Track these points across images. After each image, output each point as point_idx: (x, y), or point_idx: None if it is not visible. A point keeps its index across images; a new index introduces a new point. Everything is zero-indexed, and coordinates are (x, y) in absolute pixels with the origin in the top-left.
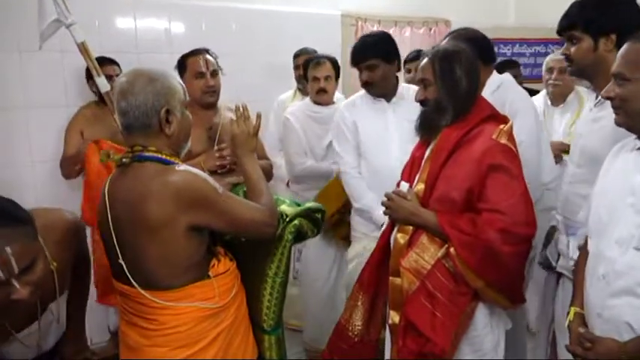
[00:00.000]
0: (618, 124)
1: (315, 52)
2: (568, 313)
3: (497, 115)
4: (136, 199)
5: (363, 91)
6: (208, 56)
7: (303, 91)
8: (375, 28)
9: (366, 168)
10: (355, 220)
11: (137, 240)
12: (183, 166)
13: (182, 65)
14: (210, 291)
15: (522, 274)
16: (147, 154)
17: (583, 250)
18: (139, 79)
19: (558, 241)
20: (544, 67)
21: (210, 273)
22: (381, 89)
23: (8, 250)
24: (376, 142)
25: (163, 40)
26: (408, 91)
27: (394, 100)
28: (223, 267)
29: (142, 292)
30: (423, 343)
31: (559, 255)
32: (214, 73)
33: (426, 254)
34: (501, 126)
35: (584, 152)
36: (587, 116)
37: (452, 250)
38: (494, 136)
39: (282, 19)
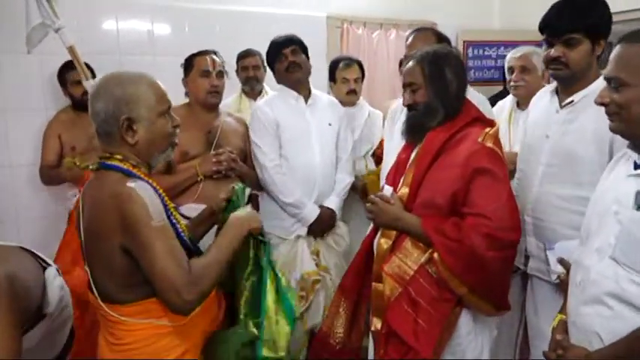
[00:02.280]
0: (613, 130)
1: (260, 52)
2: (554, 318)
3: (482, 118)
4: (90, 208)
5: (276, 92)
6: (215, 57)
7: (250, 94)
8: (361, 31)
9: (286, 166)
10: (271, 224)
11: (91, 249)
12: (134, 183)
13: (189, 64)
14: (161, 309)
15: (507, 280)
16: (108, 162)
17: None
18: (107, 84)
19: (526, 243)
20: (505, 67)
21: None
22: (302, 75)
23: None
24: (299, 141)
25: (146, 42)
26: (321, 97)
27: (310, 101)
28: None
29: (101, 303)
30: (405, 351)
31: (527, 257)
32: (220, 74)
33: (409, 259)
34: (487, 129)
35: (556, 153)
36: (553, 118)
37: (436, 255)
38: (479, 140)
39: (267, 21)
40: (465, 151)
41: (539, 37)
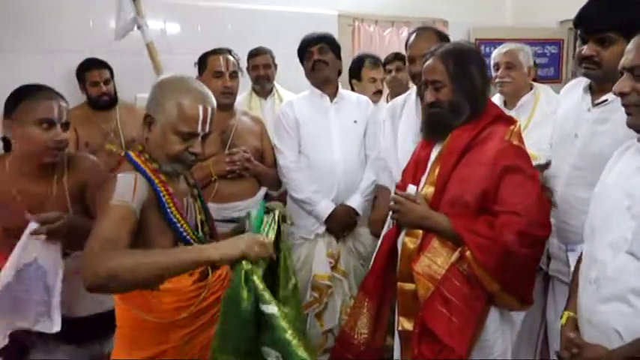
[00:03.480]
0: (632, 124)
1: (271, 51)
2: (561, 316)
3: (504, 115)
4: None
5: (306, 92)
6: (229, 56)
7: (260, 92)
8: (372, 29)
9: (306, 164)
10: (296, 224)
11: None
12: (121, 173)
13: (202, 63)
14: (148, 303)
15: (534, 276)
16: (129, 152)
17: (583, 255)
18: (160, 81)
19: (549, 244)
20: (491, 64)
21: (161, 286)
22: (328, 73)
23: (63, 103)
24: (318, 139)
25: (159, 41)
26: (349, 95)
27: (336, 100)
28: (177, 283)
29: None
30: (438, 350)
31: (549, 258)
32: (233, 75)
33: (438, 258)
34: (511, 127)
35: (585, 154)
36: (584, 116)
37: (468, 253)
38: (506, 138)
39: (279, 19)
40: (492, 149)
41: (552, 34)
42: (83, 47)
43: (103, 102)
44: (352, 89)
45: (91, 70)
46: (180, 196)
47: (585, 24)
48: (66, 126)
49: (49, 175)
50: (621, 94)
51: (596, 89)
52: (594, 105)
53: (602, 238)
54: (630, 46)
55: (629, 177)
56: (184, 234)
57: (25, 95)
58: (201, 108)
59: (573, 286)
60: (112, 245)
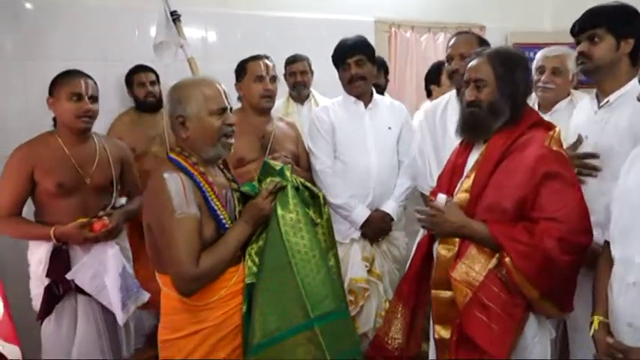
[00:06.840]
0: None
1: (307, 58)
2: (591, 322)
3: (542, 121)
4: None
5: (339, 97)
6: (268, 61)
7: (297, 98)
8: (409, 34)
9: (342, 169)
10: None
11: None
12: (168, 174)
13: (242, 69)
14: None
15: (575, 283)
16: (170, 154)
17: (603, 256)
18: (171, 88)
19: None
20: (534, 66)
21: None
22: (365, 86)
23: (90, 81)
24: (354, 144)
25: (200, 49)
26: (383, 101)
27: (370, 106)
28: None
29: (155, 269)
30: (477, 356)
31: None
32: (273, 79)
33: (476, 265)
34: (550, 132)
35: (596, 150)
36: (592, 119)
37: (507, 260)
38: (546, 143)
39: (316, 26)
40: (532, 155)
41: None
42: (133, 56)
43: (149, 102)
44: (430, 94)
45: (138, 73)
46: (220, 188)
47: (578, 24)
48: (93, 99)
49: (92, 142)
50: None
51: (599, 92)
52: (599, 107)
53: (635, 242)
54: None
55: None
56: (223, 221)
57: (60, 77)
58: (217, 85)
59: (599, 290)
60: (193, 255)
